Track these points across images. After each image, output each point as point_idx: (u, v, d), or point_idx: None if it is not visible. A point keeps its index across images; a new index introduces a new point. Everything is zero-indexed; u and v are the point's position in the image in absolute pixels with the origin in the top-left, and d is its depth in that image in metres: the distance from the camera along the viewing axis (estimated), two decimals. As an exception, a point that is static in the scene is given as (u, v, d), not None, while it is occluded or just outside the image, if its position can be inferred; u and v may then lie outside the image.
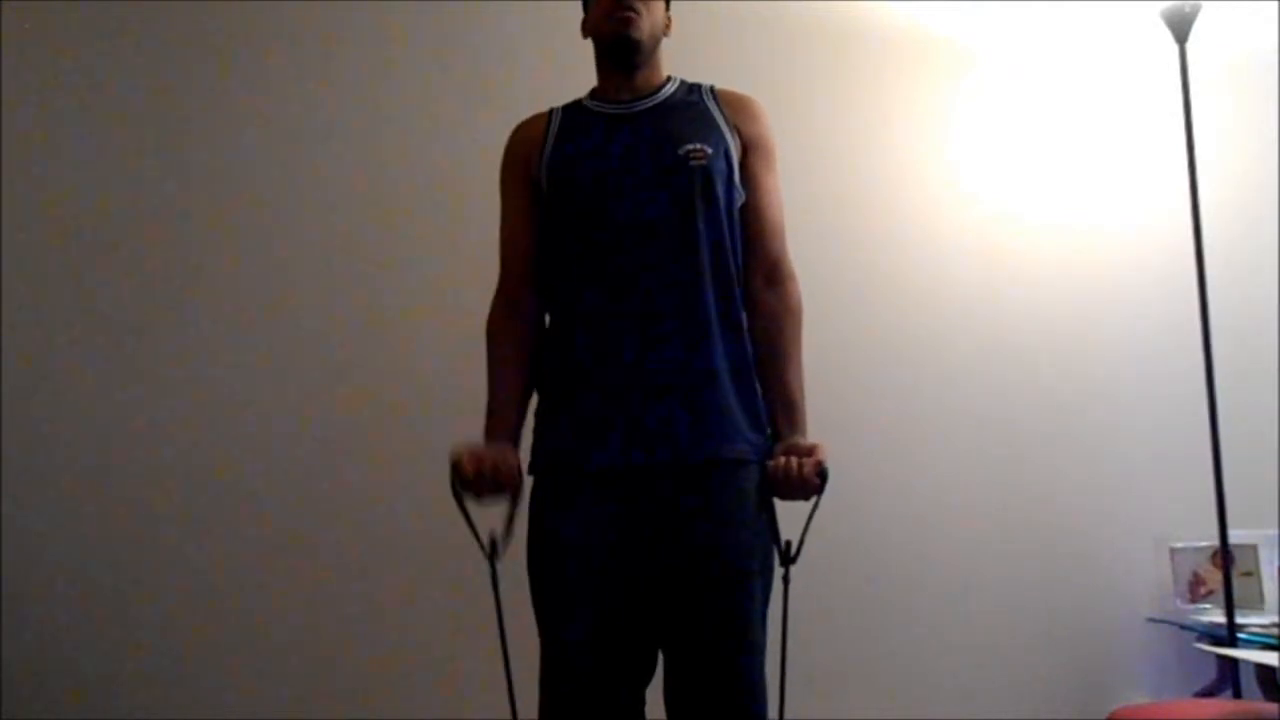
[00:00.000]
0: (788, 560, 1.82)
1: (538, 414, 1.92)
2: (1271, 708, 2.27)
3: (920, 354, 2.84)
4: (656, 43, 1.96)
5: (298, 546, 2.60)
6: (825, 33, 2.86)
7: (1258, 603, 2.71)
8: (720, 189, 1.87)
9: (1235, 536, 2.64)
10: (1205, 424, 2.62)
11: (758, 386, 1.89)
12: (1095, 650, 2.82)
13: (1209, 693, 2.66)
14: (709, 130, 1.89)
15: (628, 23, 1.89)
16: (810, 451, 1.81)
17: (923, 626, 2.77)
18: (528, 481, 1.89)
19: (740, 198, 1.91)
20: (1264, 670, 2.49)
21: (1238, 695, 2.58)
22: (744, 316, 1.90)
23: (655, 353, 1.82)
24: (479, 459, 1.80)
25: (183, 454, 2.60)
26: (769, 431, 1.89)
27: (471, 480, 1.80)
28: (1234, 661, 2.54)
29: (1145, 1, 2.74)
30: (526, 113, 2.01)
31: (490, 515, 1.83)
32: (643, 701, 1.85)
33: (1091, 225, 2.94)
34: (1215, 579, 2.70)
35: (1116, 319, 2.92)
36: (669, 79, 1.97)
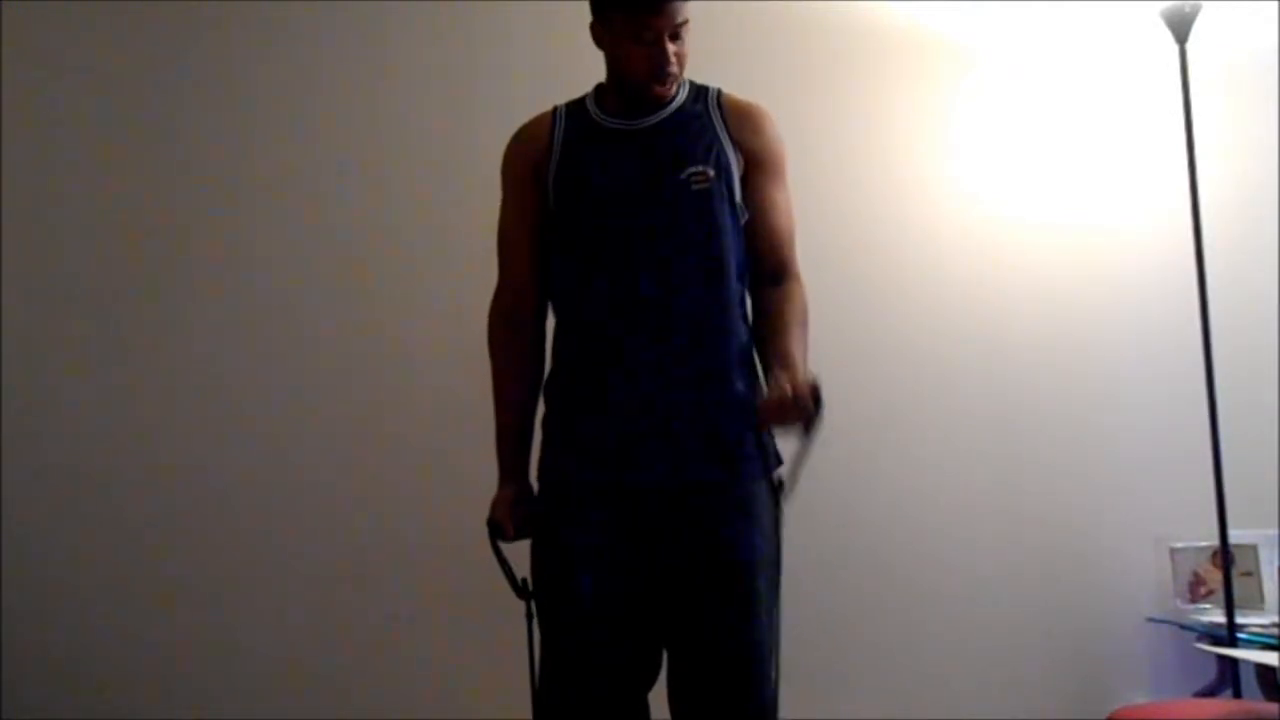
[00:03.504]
0: (778, 491, 1.81)
1: (544, 426, 1.93)
2: (1271, 708, 2.27)
3: (920, 354, 2.84)
4: None
5: (298, 547, 2.60)
6: (825, 33, 2.85)
7: (1258, 603, 2.70)
8: (722, 211, 1.86)
9: (1235, 536, 2.64)
10: (1205, 424, 2.62)
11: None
12: (1095, 650, 2.82)
13: (1209, 693, 2.66)
14: (711, 149, 1.88)
15: (669, 85, 1.87)
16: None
17: (923, 627, 2.77)
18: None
19: (744, 215, 1.90)
20: (1264, 670, 2.49)
21: (1238, 695, 2.58)
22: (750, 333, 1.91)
23: (663, 374, 1.82)
24: (517, 519, 1.90)
25: (183, 455, 2.60)
26: (775, 448, 1.90)
27: (512, 537, 1.90)
28: (1234, 661, 2.54)
29: (1145, 1, 2.74)
30: (523, 112, 2.00)
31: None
32: (646, 704, 1.85)
33: (1091, 225, 2.93)
34: (1215, 579, 2.70)
35: (1116, 319, 2.91)
36: (679, 86, 1.93)
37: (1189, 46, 2.71)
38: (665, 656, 1.86)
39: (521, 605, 1.86)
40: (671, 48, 1.83)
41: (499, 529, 1.90)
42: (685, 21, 1.83)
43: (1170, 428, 2.84)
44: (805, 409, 1.70)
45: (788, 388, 1.70)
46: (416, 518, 2.60)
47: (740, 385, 1.87)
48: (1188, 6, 2.67)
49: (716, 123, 1.91)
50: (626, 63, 1.86)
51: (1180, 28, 2.69)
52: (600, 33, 1.89)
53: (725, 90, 1.97)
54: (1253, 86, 2.98)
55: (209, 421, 2.62)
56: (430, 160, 2.70)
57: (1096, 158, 2.96)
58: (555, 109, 1.97)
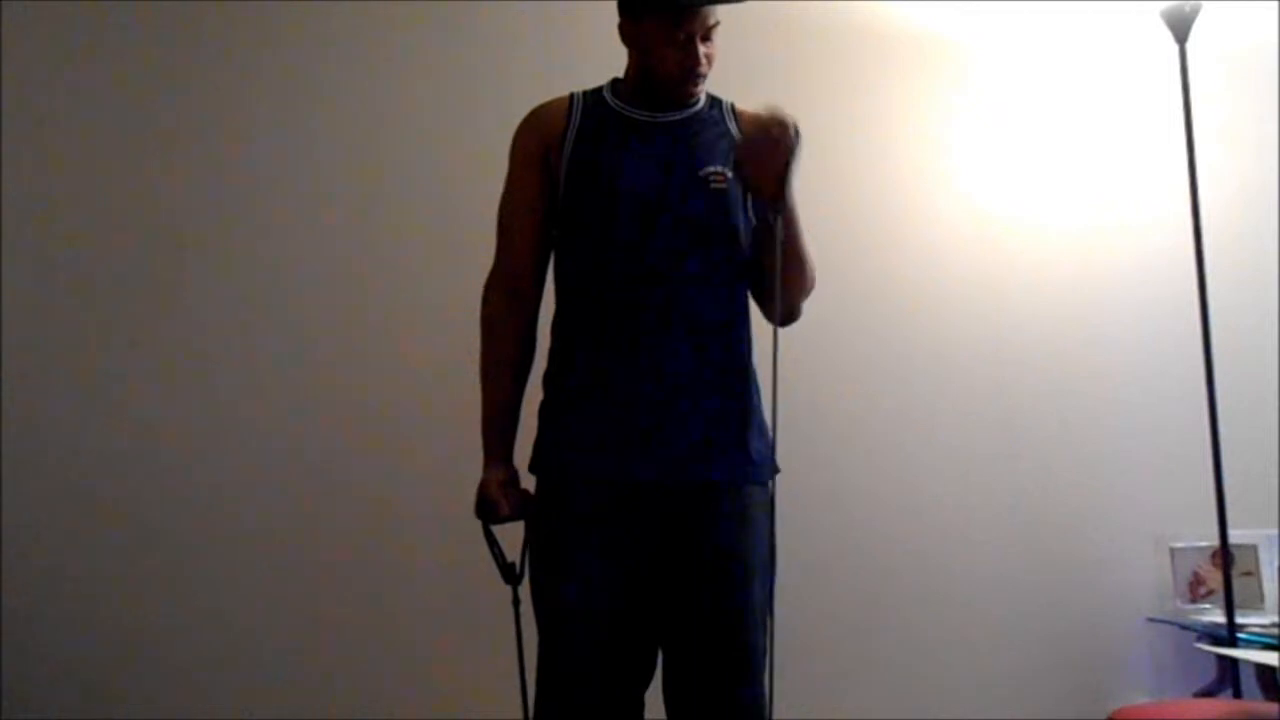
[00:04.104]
0: (778, 210, 1.76)
1: (543, 418, 1.92)
2: (1271, 708, 2.27)
3: (920, 354, 2.84)
4: None
5: (299, 546, 2.60)
6: (825, 33, 2.85)
7: (1258, 603, 2.70)
8: (736, 213, 1.88)
9: (1235, 536, 2.64)
10: (1205, 424, 2.62)
11: (762, 407, 1.90)
12: (1095, 650, 2.82)
13: (1209, 693, 2.66)
14: (728, 154, 1.89)
15: (699, 81, 1.88)
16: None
17: (923, 627, 2.77)
18: (530, 482, 1.91)
19: (752, 221, 1.91)
20: (1264, 670, 2.49)
21: (1238, 695, 2.58)
22: (752, 338, 1.91)
23: (668, 372, 1.82)
24: (511, 499, 1.87)
25: (183, 454, 2.60)
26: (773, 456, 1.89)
27: (505, 518, 1.87)
28: (1234, 661, 2.54)
29: (1145, 1, 2.74)
30: (521, 109, 1.99)
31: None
32: (642, 703, 1.85)
33: (1091, 225, 2.93)
34: (1215, 579, 2.70)
35: (1116, 319, 2.91)
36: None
37: (1189, 46, 2.71)
38: (660, 655, 1.86)
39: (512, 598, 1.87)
40: (702, 49, 1.84)
41: (491, 510, 1.87)
42: (717, 23, 1.84)
43: (1170, 428, 2.84)
44: (786, 140, 1.73)
45: (765, 116, 1.74)
46: (416, 516, 2.60)
47: (744, 389, 1.87)
48: (1188, 6, 2.68)
49: (732, 130, 1.93)
50: (656, 63, 1.86)
51: (1180, 28, 2.70)
52: (630, 33, 1.89)
53: (728, 94, 1.99)
54: (1253, 86, 2.98)
55: (209, 420, 2.61)
56: (430, 159, 2.70)
57: (1096, 158, 2.96)
58: (573, 94, 1.95)
